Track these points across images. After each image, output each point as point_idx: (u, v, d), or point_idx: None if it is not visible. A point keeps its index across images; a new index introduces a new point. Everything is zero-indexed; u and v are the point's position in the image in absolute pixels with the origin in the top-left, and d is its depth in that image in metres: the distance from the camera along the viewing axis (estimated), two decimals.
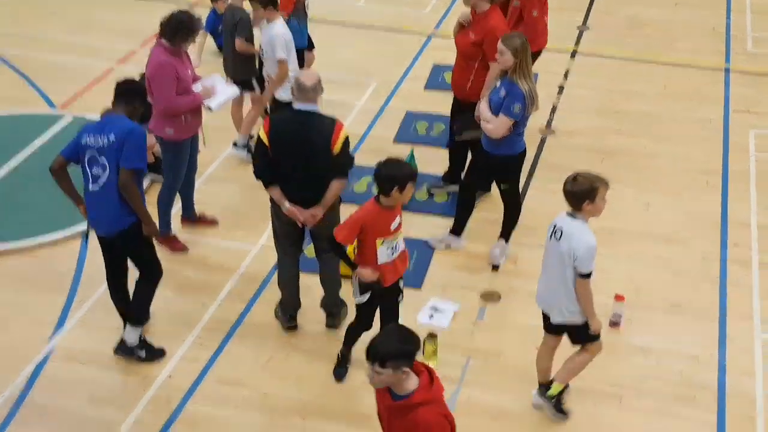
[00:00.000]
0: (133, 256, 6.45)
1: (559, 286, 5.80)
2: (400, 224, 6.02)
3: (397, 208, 5.97)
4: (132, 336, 6.56)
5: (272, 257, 7.03)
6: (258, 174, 6.48)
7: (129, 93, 6.27)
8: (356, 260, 6.07)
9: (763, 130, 9.73)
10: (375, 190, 5.92)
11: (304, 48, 9.39)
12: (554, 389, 6.20)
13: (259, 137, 6.35)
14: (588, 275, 5.69)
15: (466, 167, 8.14)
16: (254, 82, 9.01)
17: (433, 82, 10.64)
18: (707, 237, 8.09)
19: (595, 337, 5.98)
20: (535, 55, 8.99)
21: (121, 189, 6.08)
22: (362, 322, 6.39)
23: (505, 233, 7.79)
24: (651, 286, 7.48)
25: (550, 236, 5.82)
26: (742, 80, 10.79)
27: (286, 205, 6.41)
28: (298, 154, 6.24)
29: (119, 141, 6.03)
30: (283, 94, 8.25)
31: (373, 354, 4.20)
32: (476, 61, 7.81)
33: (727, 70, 11.03)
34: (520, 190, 8.05)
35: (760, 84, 10.72)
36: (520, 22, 8.63)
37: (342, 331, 6.83)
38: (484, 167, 7.56)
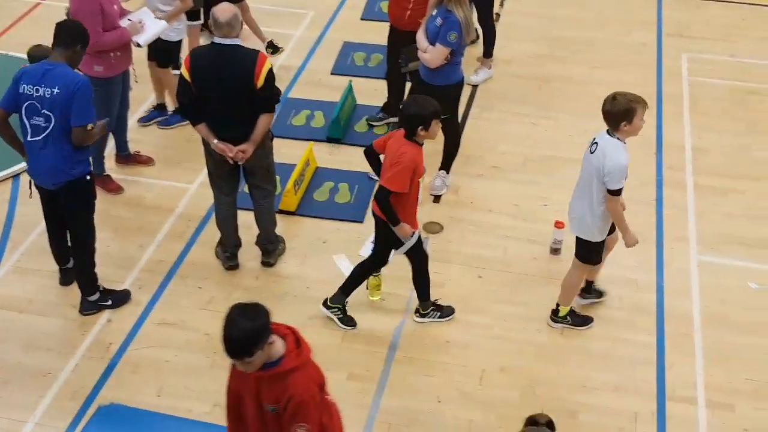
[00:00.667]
0: (74, 211, 6.20)
1: (585, 199, 6.00)
2: None
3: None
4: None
5: (210, 196, 6.92)
6: (183, 111, 6.36)
7: (70, 35, 5.96)
8: (398, 211, 5.93)
9: (695, 53, 9.82)
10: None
11: None
12: (563, 311, 6.44)
13: (181, 74, 6.17)
14: (616, 192, 5.83)
15: (405, 98, 8.07)
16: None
17: (370, 12, 10.48)
18: (643, 160, 8.17)
19: (591, 260, 6.20)
20: None
21: (77, 144, 5.90)
22: (422, 258, 6.32)
23: (446, 164, 7.78)
24: None
25: (588, 149, 5.99)
26: (674, 4, 10.82)
27: (214, 142, 6.28)
28: (219, 89, 6.08)
29: (67, 96, 5.76)
30: (173, 34, 7.95)
31: (238, 351, 3.93)
32: None
33: None
34: (459, 119, 8.03)
35: (692, 8, 10.78)
36: None
37: (280, 267, 6.80)
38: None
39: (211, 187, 6.75)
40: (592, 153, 5.93)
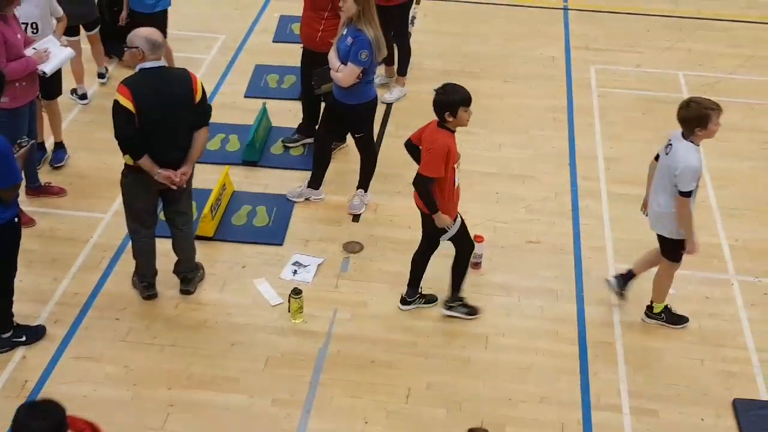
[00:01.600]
0: None
1: (660, 197, 6.21)
2: None
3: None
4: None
5: (125, 225, 6.76)
6: (127, 146, 6.06)
7: None
8: (437, 199, 6.12)
9: (602, 65, 10.04)
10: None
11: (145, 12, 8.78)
12: (657, 308, 6.62)
13: (120, 106, 5.91)
14: (686, 194, 5.98)
15: (319, 119, 8.04)
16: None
17: (282, 34, 10.44)
18: (558, 172, 8.31)
19: (676, 257, 6.37)
20: (410, 3, 9.14)
21: (5, 201, 5.69)
22: (467, 246, 6.51)
23: (363, 183, 7.77)
24: (508, 225, 7.64)
25: (664, 149, 6.18)
26: (580, 18, 11.07)
27: (159, 172, 6.12)
28: (165, 113, 5.98)
29: None
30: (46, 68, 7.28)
31: None
32: (326, 11, 7.68)
33: (565, 9, 11.28)
34: (375, 138, 8.03)
35: (597, 21, 11.03)
36: None
37: (200, 294, 6.70)
38: (337, 117, 7.48)
39: (131, 223, 6.54)
40: (666, 154, 6.15)
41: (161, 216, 6.65)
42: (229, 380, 6.09)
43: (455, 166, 6.13)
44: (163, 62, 6.09)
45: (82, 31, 8.84)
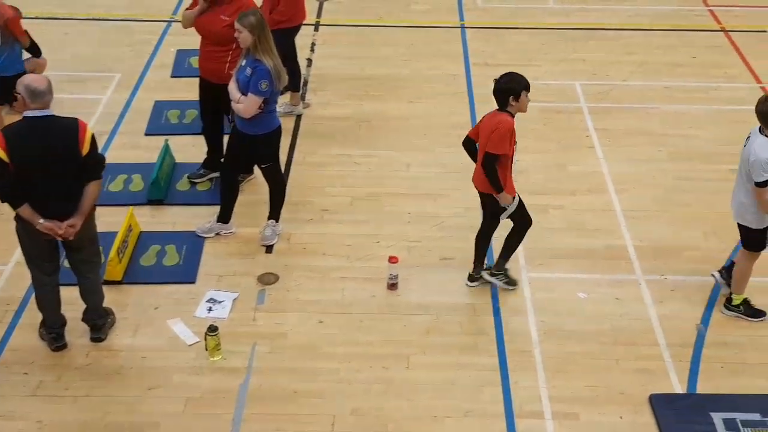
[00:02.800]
0: None
1: (741, 188, 6.52)
2: None
3: None
4: None
5: (27, 275, 6.57)
6: (2, 195, 5.93)
7: None
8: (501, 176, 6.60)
9: None
10: None
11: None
12: (736, 300, 6.84)
13: None
14: (761, 184, 6.27)
15: (224, 151, 7.96)
16: None
17: (180, 69, 10.33)
18: (467, 188, 8.31)
19: (756, 247, 6.62)
20: (297, 29, 9.15)
21: None
22: (526, 221, 6.95)
23: (274, 213, 7.71)
24: (421, 244, 7.66)
25: (745, 141, 6.55)
26: (478, 35, 11.25)
27: (40, 222, 5.95)
28: (45, 164, 5.80)
29: None
30: None
31: None
32: (232, 44, 7.60)
33: (462, 27, 11.45)
34: (283, 167, 8.00)
35: (494, 37, 11.22)
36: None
37: (112, 340, 6.55)
38: (242, 149, 7.42)
39: (30, 270, 6.37)
40: (744, 146, 6.47)
41: (66, 263, 6.46)
42: (149, 426, 5.94)
43: (514, 147, 6.66)
44: (49, 111, 5.87)
45: None
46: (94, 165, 6.02)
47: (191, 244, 7.58)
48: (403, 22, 11.56)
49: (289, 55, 8.97)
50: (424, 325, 6.81)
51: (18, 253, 7.13)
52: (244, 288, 7.16)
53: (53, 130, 5.85)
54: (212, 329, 6.45)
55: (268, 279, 7.28)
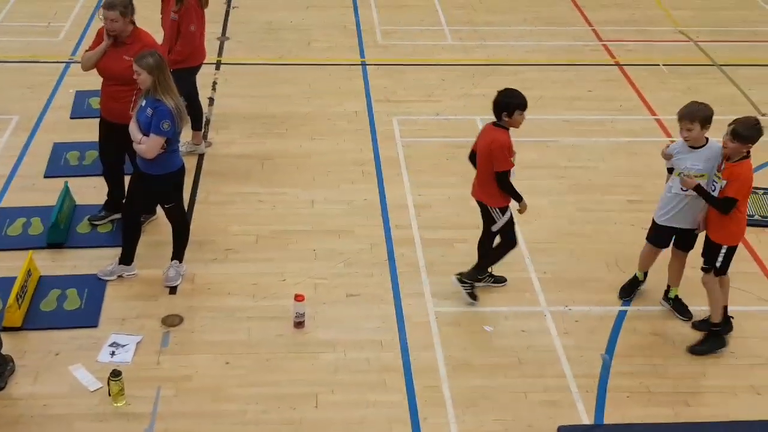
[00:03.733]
0: None
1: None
2: None
3: None
4: None
5: None
6: None
7: None
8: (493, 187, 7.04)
9: (404, 116, 10.33)
10: None
11: None
12: (673, 292, 7.38)
13: None
14: None
15: (126, 192, 7.84)
16: None
17: (79, 110, 10.13)
18: (371, 223, 8.45)
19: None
20: (197, 69, 9.12)
21: None
22: (511, 241, 7.34)
23: (177, 253, 7.62)
24: (327, 281, 7.67)
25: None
26: (378, 72, 11.38)
27: None
28: None
29: None
30: None
31: None
32: (136, 83, 7.53)
33: (363, 64, 11.58)
34: (186, 206, 7.91)
35: (394, 73, 11.37)
36: (178, 37, 8.73)
37: (11, 389, 6.36)
38: (144, 189, 7.33)
39: None
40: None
41: None
42: None
43: (512, 159, 7.00)
44: None
45: None
46: None
47: (93, 287, 7.43)
48: (304, 60, 11.63)
49: (190, 95, 8.94)
50: (332, 363, 6.81)
51: None
52: (148, 330, 7.04)
53: None
54: (115, 374, 6.32)
55: (172, 321, 7.17)
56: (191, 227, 7.83)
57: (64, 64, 11.17)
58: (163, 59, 6.95)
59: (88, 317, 7.12)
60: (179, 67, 8.59)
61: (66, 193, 8.25)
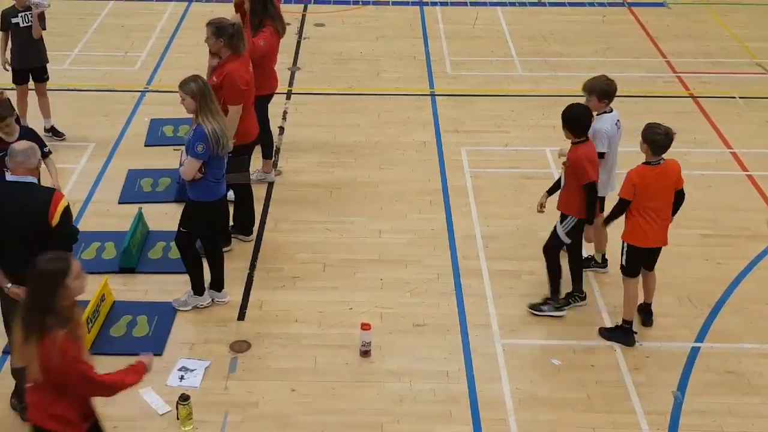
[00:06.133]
0: None
1: None
2: None
3: None
4: None
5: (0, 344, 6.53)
6: None
7: None
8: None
9: (472, 147, 10.33)
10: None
11: None
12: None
13: None
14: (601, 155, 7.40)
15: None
16: None
17: (153, 138, 10.36)
18: (438, 254, 8.42)
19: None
20: (269, 97, 9.26)
21: None
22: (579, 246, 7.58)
23: (213, 283, 7.68)
24: (394, 310, 7.66)
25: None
26: (447, 102, 11.41)
27: (8, 287, 5.95)
28: (12, 229, 5.81)
29: None
30: None
31: None
32: (220, 104, 7.68)
33: (432, 94, 11.62)
34: (254, 233, 7.99)
35: (463, 104, 11.39)
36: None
37: None
38: (183, 213, 7.43)
39: (6, 333, 6.30)
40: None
41: None
42: None
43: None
44: (30, 178, 5.94)
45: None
46: (63, 237, 6.00)
47: (163, 314, 7.53)
48: (374, 90, 11.72)
49: (261, 123, 9.08)
50: (398, 393, 6.78)
51: None
52: (216, 356, 7.11)
53: (28, 198, 5.88)
54: (184, 398, 6.39)
55: (240, 347, 7.23)
56: (260, 254, 7.90)
57: (139, 93, 11.45)
58: (206, 85, 7.08)
59: (154, 345, 7.18)
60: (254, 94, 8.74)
61: (139, 218, 8.41)
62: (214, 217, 7.38)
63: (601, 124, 7.53)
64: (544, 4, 14.80)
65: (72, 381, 4.85)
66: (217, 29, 7.76)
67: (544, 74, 12.22)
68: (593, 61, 12.54)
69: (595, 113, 7.46)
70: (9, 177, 5.93)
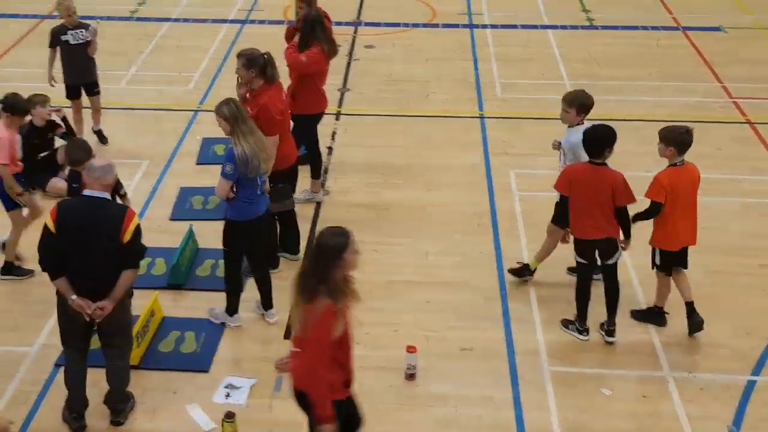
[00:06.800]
0: None
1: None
2: None
3: None
4: None
5: (53, 356, 6.58)
6: (44, 265, 6.14)
7: None
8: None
9: (522, 169, 10.27)
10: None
11: None
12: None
13: (45, 225, 6.04)
14: None
15: None
16: None
17: (205, 157, 10.49)
18: (486, 277, 8.37)
19: None
20: (318, 117, 9.33)
21: None
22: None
23: (262, 301, 7.74)
24: (440, 333, 7.62)
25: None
26: (496, 125, 11.37)
27: (73, 298, 6.07)
28: (84, 243, 5.97)
29: None
30: None
31: None
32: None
33: (482, 117, 11.60)
34: (301, 253, 7.99)
35: (513, 126, 11.35)
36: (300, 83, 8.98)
37: (131, 424, 6.55)
38: (223, 232, 7.51)
39: (63, 346, 6.47)
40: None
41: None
42: None
43: None
44: (105, 194, 6.10)
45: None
46: (132, 253, 6.15)
47: (210, 331, 7.58)
48: (423, 112, 11.73)
49: (310, 143, 9.14)
50: (444, 417, 6.73)
51: (43, 335, 7.25)
52: (262, 374, 7.12)
53: (101, 213, 6.04)
54: (229, 416, 6.41)
55: (286, 365, 7.22)
56: None
57: (192, 112, 11.59)
58: (238, 107, 7.16)
59: (201, 362, 7.25)
60: (301, 113, 8.80)
61: (190, 236, 8.49)
62: (251, 236, 7.42)
63: (576, 137, 7.53)
64: (596, 28, 14.73)
65: (310, 350, 5.15)
66: (249, 61, 7.82)
67: (596, 98, 12.02)
68: (646, 85, 12.44)
69: (568, 125, 7.72)
70: (85, 192, 6.12)
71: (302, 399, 5.34)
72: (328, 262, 5.12)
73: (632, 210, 7.28)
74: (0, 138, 7.90)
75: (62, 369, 6.64)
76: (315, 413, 5.20)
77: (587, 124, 7.64)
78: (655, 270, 7.55)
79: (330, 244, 5.15)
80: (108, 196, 6.18)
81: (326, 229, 5.26)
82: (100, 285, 6.10)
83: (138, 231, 6.12)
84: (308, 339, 5.16)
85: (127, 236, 6.03)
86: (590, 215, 7.16)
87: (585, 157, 7.34)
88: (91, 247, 5.98)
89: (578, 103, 7.68)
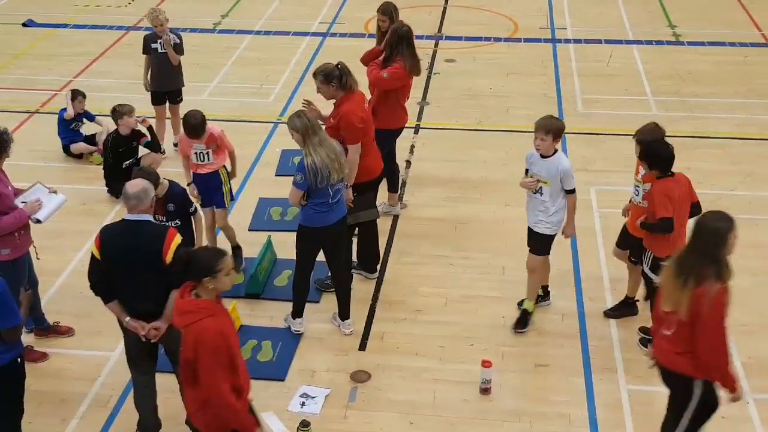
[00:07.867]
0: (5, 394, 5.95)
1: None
2: None
3: None
4: None
5: None
6: (93, 290, 6.21)
7: None
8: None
9: (602, 186, 10.14)
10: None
11: None
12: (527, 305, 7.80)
13: (92, 252, 6.10)
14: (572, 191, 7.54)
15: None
16: None
17: (284, 168, 10.62)
18: (563, 294, 8.28)
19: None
20: (398, 131, 9.38)
21: (10, 342, 5.75)
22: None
23: (339, 311, 7.81)
24: (516, 349, 7.56)
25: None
26: (577, 141, 11.25)
27: (127, 320, 6.17)
28: (129, 265, 5.99)
29: None
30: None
31: None
32: (341, 142, 7.83)
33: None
34: (378, 265, 8.01)
35: (594, 143, 11.21)
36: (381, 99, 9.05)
37: None
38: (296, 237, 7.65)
39: (128, 366, 6.53)
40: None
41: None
42: None
43: None
44: (146, 216, 6.08)
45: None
46: (177, 274, 5.96)
47: (287, 341, 7.66)
48: (503, 127, 11.68)
49: (388, 157, 9.18)
50: None
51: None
52: (337, 384, 7.18)
53: (143, 235, 6.02)
54: (304, 424, 6.47)
55: (360, 377, 7.27)
56: (382, 287, 7.94)
57: (272, 124, 11.75)
58: (309, 120, 7.22)
59: (277, 370, 7.33)
60: (382, 128, 8.85)
61: (268, 246, 8.60)
62: (320, 243, 7.53)
63: (567, 162, 7.48)
64: (682, 43, 14.48)
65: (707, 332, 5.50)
66: (325, 77, 7.88)
67: (681, 114, 11.91)
68: (733, 102, 12.17)
69: (543, 153, 7.44)
70: (126, 216, 6.10)
71: (669, 378, 5.79)
72: (717, 244, 5.45)
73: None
74: None
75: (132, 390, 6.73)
76: (728, 386, 5.61)
77: (561, 155, 7.52)
78: (632, 263, 7.71)
79: (717, 227, 5.49)
80: (149, 217, 6.14)
81: (709, 213, 5.66)
82: (152, 306, 6.14)
83: (180, 250, 6.03)
84: (702, 322, 5.46)
85: (168, 257, 5.97)
86: (682, 229, 7.04)
87: (568, 186, 7.44)
88: (136, 270, 5.99)
89: (555, 130, 7.38)
